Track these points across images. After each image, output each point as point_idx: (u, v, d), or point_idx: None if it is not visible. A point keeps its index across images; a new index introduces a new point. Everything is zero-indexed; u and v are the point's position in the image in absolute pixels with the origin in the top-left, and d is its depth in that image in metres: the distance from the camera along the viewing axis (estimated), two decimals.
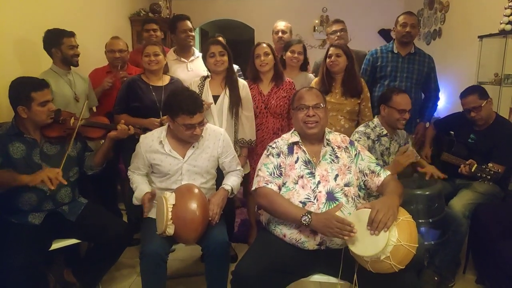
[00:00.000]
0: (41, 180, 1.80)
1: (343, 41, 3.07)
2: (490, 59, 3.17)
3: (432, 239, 2.18)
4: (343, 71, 2.64)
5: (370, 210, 1.46)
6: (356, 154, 1.80)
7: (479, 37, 3.20)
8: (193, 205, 1.79)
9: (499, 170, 2.16)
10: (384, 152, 2.33)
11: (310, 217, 1.54)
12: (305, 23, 5.75)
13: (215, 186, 2.17)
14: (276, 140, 1.85)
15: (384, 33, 5.66)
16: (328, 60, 2.63)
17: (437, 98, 3.06)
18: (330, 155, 1.77)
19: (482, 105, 2.38)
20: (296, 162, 1.75)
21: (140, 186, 2.06)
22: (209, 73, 2.50)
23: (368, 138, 2.27)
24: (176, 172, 2.02)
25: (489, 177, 2.16)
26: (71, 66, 2.62)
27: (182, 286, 2.31)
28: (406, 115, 2.26)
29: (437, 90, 3.04)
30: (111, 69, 3.02)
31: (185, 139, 2.00)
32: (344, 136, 1.88)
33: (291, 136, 1.83)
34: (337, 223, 1.47)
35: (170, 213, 1.76)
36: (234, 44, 3.78)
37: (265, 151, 1.83)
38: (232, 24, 6.11)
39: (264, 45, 2.55)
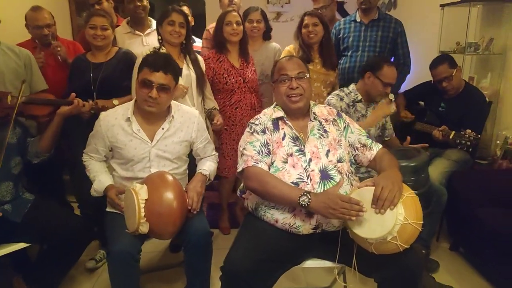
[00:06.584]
0: None
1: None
2: (451, 27, 3.17)
3: None
4: (319, 41, 2.49)
5: (373, 188, 1.33)
6: (345, 126, 1.67)
7: (441, 5, 3.18)
8: (169, 196, 1.55)
9: (478, 136, 2.16)
10: (360, 119, 2.25)
11: (309, 197, 1.37)
12: None
13: (187, 171, 1.95)
14: (257, 116, 1.66)
15: (339, 6, 5.54)
16: (304, 30, 2.46)
17: (406, 67, 2.90)
18: (318, 129, 1.62)
19: (453, 74, 2.37)
20: (283, 138, 1.57)
21: (100, 176, 1.79)
22: (162, 46, 2.22)
23: (341, 99, 2.18)
24: (143, 159, 1.76)
25: (469, 143, 2.15)
26: None
27: (157, 282, 2.09)
28: (388, 89, 2.17)
29: (406, 57, 2.89)
30: (37, 45, 2.52)
31: (140, 103, 1.72)
32: (330, 108, 1.74)
33: (273, 111, 1.65)
34: (343, 203, 1.31)
35: (142, 210, 1.51)
36: None
37: (247, 129, 1.63)
38: None
39: (235, 13, 2.34)
